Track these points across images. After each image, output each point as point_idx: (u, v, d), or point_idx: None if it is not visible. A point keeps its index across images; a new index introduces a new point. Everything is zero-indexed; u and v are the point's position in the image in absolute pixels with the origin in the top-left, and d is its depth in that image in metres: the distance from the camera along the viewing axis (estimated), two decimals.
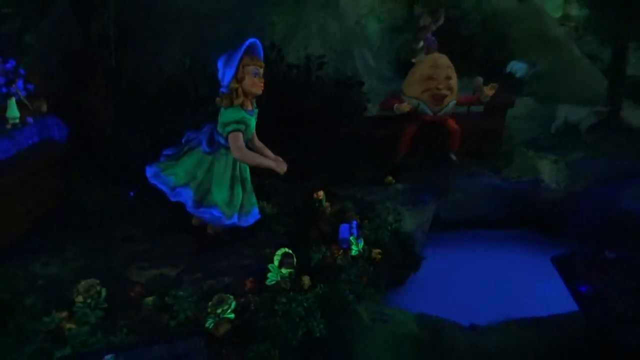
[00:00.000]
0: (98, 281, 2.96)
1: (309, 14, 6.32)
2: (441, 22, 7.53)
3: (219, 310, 2.84)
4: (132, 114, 4.47)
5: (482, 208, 5.12)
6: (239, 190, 3.58)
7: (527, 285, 4.07)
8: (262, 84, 3.45)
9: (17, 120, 4.08)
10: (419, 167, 5.28)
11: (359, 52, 7.02)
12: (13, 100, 4.06)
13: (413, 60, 6.45)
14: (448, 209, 4.99)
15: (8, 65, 4.14)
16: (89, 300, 2.87)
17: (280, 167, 3.52)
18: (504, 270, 4.42)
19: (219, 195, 3.51)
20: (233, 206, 3.54)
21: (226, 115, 3.39)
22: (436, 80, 4.99)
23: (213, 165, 3.53)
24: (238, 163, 3.56)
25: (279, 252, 3.28)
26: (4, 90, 4.10)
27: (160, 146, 3.91)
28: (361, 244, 3.67)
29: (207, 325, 2.80)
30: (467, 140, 5.41)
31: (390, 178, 5.02)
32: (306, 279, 3.13)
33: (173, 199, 3.53)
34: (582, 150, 5.80)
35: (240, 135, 3.38)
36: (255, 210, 3.66)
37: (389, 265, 3.82)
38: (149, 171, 3.61)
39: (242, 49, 3.35)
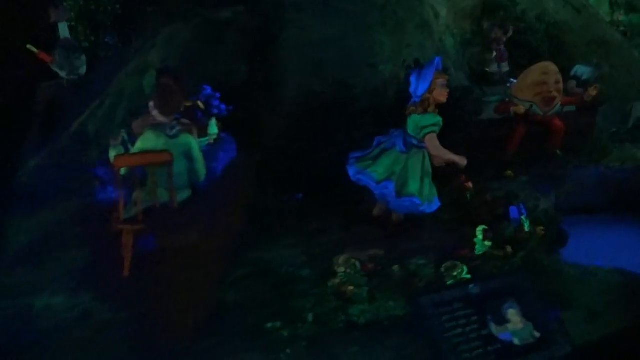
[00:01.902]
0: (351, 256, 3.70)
1: (409, 34, 7.13)
2: (510, 33, 8.35)
3: (454, 273, 3.57)
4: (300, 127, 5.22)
5: (590, 195, 5.84)
6: (427, 182, 4.34)
7: None
8: (447, 93, 4.22)
9: (216, 136, 4.85)
10: (528, 162, 6.03)
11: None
12: (214, 119, 4.84)
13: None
14: (561, 197, 5.71)
15: (206, 92, 4.92)
16: (349, 270, 3.60)
17: (463, 161, 4.30)
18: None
19: (414, 186, 4.27)
20: (424, 195, 4.30)
21: (424, 120, 4.16)
22: (547, 84, 5.78)
23: (408, 162, 4.29)
24: (427, 159, 4.32)
25: (479, 228, 4.02)
26: (200, 114, 4.86)
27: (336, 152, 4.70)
28: (528, 223, 4.41)
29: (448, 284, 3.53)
30: (565, 137, 6.18)
31: (510, 172, 5.76)
32: (509, 248, 3.87)
33: (377, 192, 4.30)
34: None
35: (436, 135, 4.16)
36: (436, 198, 4.41)
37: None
38: (351, 171, 4.39)
39: (434, 66, 4.13)
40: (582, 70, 8.73)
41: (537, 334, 2.48)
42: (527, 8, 8.96)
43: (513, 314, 2.55)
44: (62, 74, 8.02)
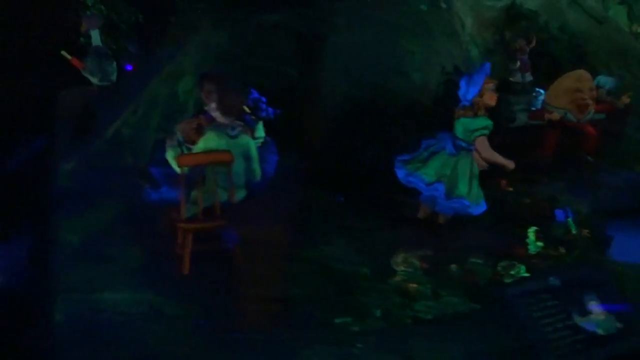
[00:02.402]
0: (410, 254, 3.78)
1: (438, 43, 7.27)
2: (534, 44, 8.49)
3: (512, 272, 3.65)
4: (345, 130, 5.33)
5: (623, 199, 5.93)
6: (475, 184, 4.43)
7: None
8: (497, 97, 4.33)
9: (262, 140, 4.94)
10: (563, 167, 6.13)
11: None
12: (261, 123, 4.93)
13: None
14: (598, 201, 5.80)
15: (253, 96, 5.02)
16: (408, 269, 3.68)
17: (511, 165, 4.39)
18: None
19: (463, 189, 4.36)
20: (472, 197, 4.38)
21: (475, 123, 4.26)
22: (582, 92, 5.89)
23: (457, 165, 4.38)
24: (474, 162, 4.41)
25: (531, 229, 4.11)
26: (248, 117, 4.96)
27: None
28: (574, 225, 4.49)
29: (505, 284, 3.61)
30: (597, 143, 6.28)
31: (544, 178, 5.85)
32: (562, 248, 3.95)
33: (427, 193, 4.39)
34: None
35: (486, 138, 4.25)
36: (483, 201, 4.50)
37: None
38: (400, 173, 4.48)
39: (485, 71, 4.24)
40: (604, 80, 8.86)
41: (619, 325, 2.56)
42: (550, 19, 9.13)
43: (594, 305, 2.63)
44: (94, 80, 8.12)
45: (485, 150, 4.27)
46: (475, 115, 4.28)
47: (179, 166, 3.79)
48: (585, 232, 4.53)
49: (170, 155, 4.05)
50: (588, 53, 9.02)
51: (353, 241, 4.37)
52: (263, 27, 5.89)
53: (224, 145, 3.86)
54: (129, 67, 8.08)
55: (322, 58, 5.41)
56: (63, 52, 7.53)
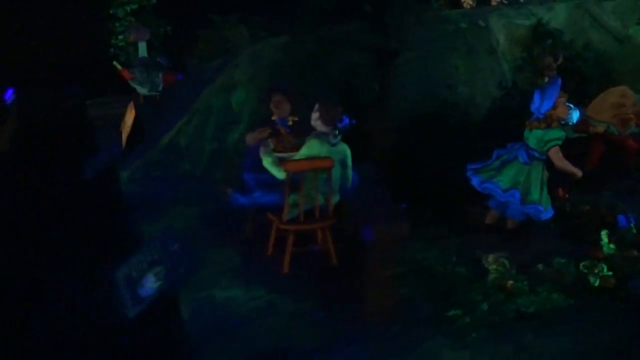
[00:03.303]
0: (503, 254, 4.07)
1: (480, 59, 7.65)
2: (560, 60, 8.89)
3: (596, 271, 3.94)
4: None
5: None
6: (545, 191, 4.74)
7: None
8: (568, 110, 4.65)
9: None
10: (607, 179, 6.47)
11: None
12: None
13: None
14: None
15: None
16: (500, 267, 3.96)
17: (579, 173, 4.71)
18: None
19: (536, 194, 4.66)
20: (543, 203, 4.69)
21: (549, 134, 4.57)
22: (625, 106, 6.26)
23: (530, 173, 4.68)
24: (545, 171, 4.72)
25: (603, 232, 4.40)
26: None
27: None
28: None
29: (591, 282, 3.90)
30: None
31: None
32: (634, 251, 4.25)
33: (502, 199, 4.68)
34: None
35: (559, 148, 4.57)
36: (551, 207, 4.80)
37: None
38: (475, 180, 4.78)
39: (559, 85, 4.56)
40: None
41: None
42: (575, 37, 9.55)
43: None
44: (143, 90, 8.41)
45: (558, 160, 4.59)
46: (549, 126, 4.59)
47: (284, 171, 4.04)
48: None
49: (267, 162, 4.30)
50: (612, 71, 9.45)
51: (434, 245, 4.63)
52: (324, 40, 6.16)
53: (326, 152, 4.13)
54: (180, 76, 8.34)
55: (389, 71, 5.69)
56: (115, 63, 7.82)
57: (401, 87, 6.22)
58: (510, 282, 3.79)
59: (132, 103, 8.48)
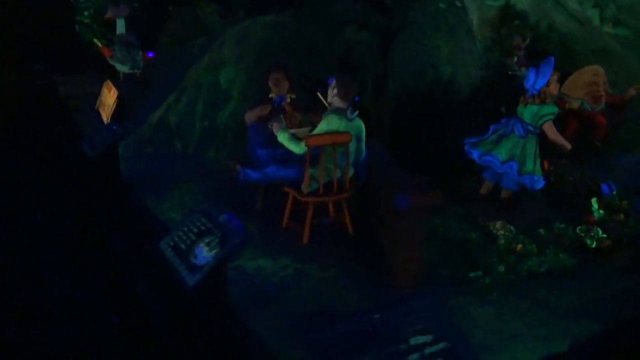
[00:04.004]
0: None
1: (460, 40, 7.96)
2: (528, 41, 9.35)
3: (592, 233, 4.34)
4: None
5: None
6: (538, 162, 5.11)
7: None
8: (558, 87, 5.01)
9: None
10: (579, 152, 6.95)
11: None
12: None
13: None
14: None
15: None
16: (508, 233, 4.29)
17: (568, 146, 5.09)
18: None
19: (530, 165, 5.02)
20: (537, 173, 5.06)
21: (543, 109, 4.92)
22: (597, 84, 6.73)
23: (526, 145, 5.03)
24: (537, 143, 5.08)
25: (594, 199, 4.80)
26: None
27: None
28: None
29: (588, 244, 4.30)
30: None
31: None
32: (621, 215, 4.68)
33: (500, 170, 5.02)
34: None
35: (552, 122, 4.93)
36: (542, 178, 5.18)
37: None
38: (475, 154, 5.10)
39: (551, 64, 4.90)
40: None
41: None
42: (540, 19, 10.02)
43: None
44: (124, 68, 8.28)
45: (553, 134, 4.95)
46: (542, 102, 4.94)
47: (306, 146, 4.20)
48: (625, 203, 5.30)
49: (284, 138, 4.43)
50: (575, 52, 10.01)
51: (437, 214, 4.91)
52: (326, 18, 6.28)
53: (344, 127, 4.31)
54: (151, 54, 8.23)
55: (389, 49, 5.88)
56: (95, 40, 7.67)
57: (392, 66, 6.43)
58: (520, 245, 4.12)
59: (108, 81, 8.36)
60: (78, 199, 5.34)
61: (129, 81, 8.41)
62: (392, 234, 3.75)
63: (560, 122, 6.91)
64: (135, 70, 8.24)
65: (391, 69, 6.25)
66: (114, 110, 7.55)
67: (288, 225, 4.63)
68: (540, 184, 5.08)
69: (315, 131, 4.37)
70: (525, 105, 5.04)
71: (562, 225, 4.46)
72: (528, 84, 5.02)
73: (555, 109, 4.98)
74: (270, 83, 5.56)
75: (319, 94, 5.36)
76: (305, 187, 4.33)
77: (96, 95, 7.99)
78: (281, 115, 4.80)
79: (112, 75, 8.64)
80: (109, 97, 7.91)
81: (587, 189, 5.31)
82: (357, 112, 4.42)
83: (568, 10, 10.53)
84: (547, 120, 4.94)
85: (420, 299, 3.62)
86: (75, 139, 7.04)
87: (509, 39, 9.66)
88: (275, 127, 4.57)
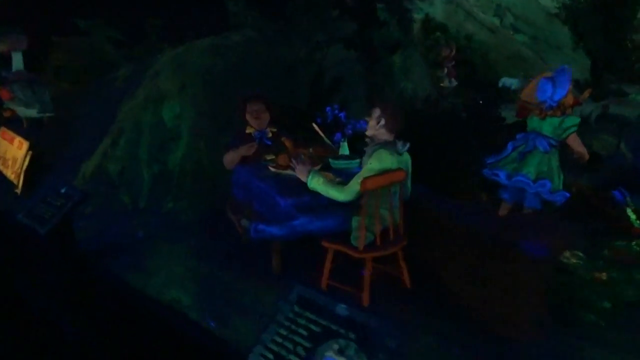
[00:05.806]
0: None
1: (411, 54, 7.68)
2: (454, 52, 9.44)
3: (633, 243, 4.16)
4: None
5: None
6: (562, 177, 4.86)
7: None
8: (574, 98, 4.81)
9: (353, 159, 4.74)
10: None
11: None
12: (345, 142, 4.71)
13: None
14: None
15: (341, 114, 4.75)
16: (580, 261, 3.92)
17: (587, 157, 4.91)
18: None
19: (557, 182, 4.74)
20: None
21: (567, 121, 4.66)
22: None
23: (550, 161, 4.74)
24: (558, 156, 4.83)
25: (629, 210, 4.65)
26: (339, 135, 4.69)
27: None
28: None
29: None
30: None
31: None
32: None
33: (532, 190, 4.65)
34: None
35: (576, 133, 4.70)
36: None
37: None
38: (502, 175, 4.69)
39: (570, 73, 4.68)
40: (509, 82, 10.17)
41: None
42: (459, 29, 10.17)
43: None
44: (31, 112, 6.78)
45: (579, 145, 4.71)
46: (563, 114, 4.69)
47: (362, 191, 3.47)
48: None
49: (319, 183, 3.65)
50: (491, 59, 10.29)
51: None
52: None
53: (396, 163, 3.65)
54: None
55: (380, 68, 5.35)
56: None
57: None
58: (604, 273, 3.77)
59: (4, 130, 6.83)
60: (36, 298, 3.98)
61: (35, 127, 6.92)
62: (507, 281, 3.17)
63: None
64: (46, 114, 6.78)
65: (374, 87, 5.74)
66: (28, 165, 6.11)
67: (327, 286, 3.84)
68: (564, 200, 4.83)
69: (367, 171, 3.60)
70: (544, 118, 4.76)
71: (623, 243, 4.20)
72: (545, 96, 4.74)
73: (577, 120, 4.75)
74: (248, 117, 4.77)
75: (314, 124, 4.65)
76: (361, 242, 3.57)
77: None
78: (301, 155, 4.02)
79: (6, 121, 7.11)
80: (13, 150, 6.43)
81: (600, 197, 5.19)
82: (408, 145, 3.77)
83: (479, 20, 10.80)
84: (572, 132, 4.69)
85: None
86: None
87: (435, 51, 9.64)
88: (300, 171, 3.78)
